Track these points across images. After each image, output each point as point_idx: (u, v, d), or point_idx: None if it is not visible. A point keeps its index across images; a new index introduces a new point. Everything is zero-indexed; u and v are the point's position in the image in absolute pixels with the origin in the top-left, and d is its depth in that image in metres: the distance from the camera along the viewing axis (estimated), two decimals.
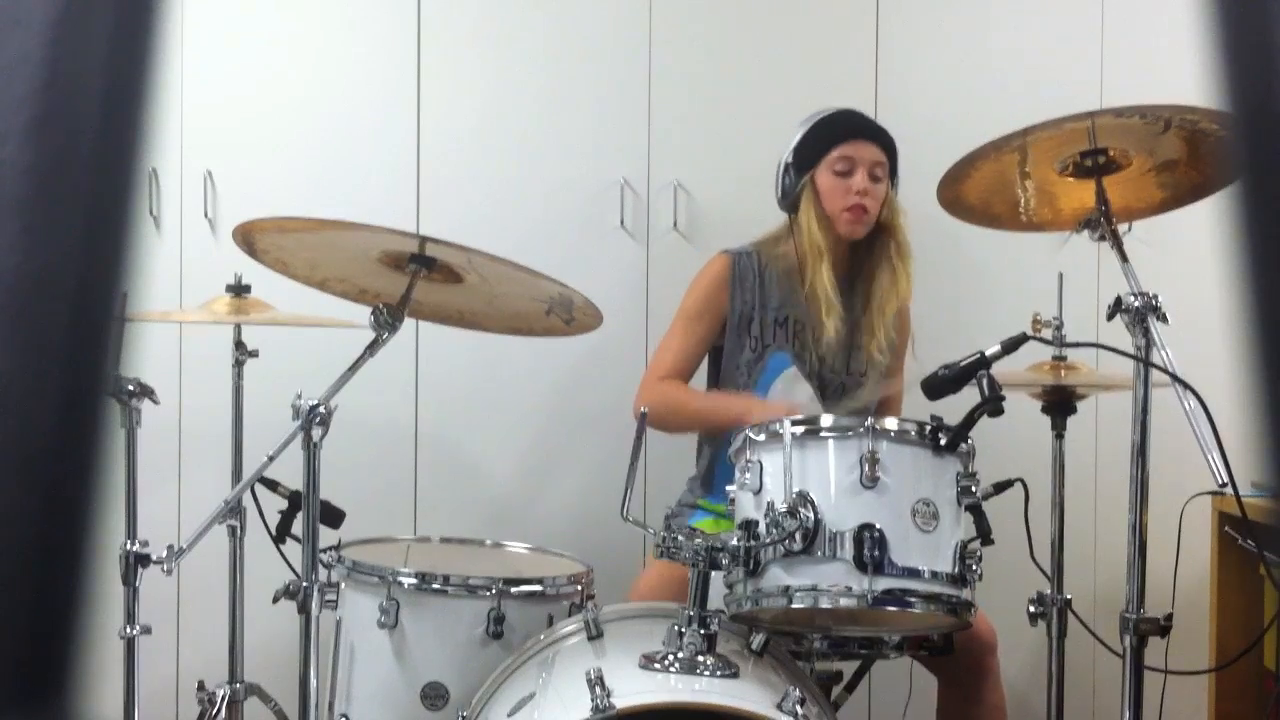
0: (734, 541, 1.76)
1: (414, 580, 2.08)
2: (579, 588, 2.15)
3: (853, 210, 2.42)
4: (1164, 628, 1.84)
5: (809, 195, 2.44)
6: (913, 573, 1.71)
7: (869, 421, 1.76)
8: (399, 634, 2.06)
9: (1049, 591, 2.30)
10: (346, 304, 2.20)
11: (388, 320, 1.96)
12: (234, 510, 2.39)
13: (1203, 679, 2.78)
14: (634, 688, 1.60)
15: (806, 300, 2.46)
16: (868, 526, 1.70)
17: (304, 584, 1.91)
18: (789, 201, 2.48)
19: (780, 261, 2.50)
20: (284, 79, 2.96)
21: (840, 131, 2.45)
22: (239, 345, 2.54)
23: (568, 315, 2.16)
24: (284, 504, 2.27)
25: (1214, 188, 1.98)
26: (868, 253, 2.50)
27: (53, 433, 0.46)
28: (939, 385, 1.84)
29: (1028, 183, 2.08)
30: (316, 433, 1.89)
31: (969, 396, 1.82)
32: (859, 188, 2.41)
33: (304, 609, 1.91)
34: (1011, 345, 1.84)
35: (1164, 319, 1.76)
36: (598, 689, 1.55)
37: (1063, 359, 2.28)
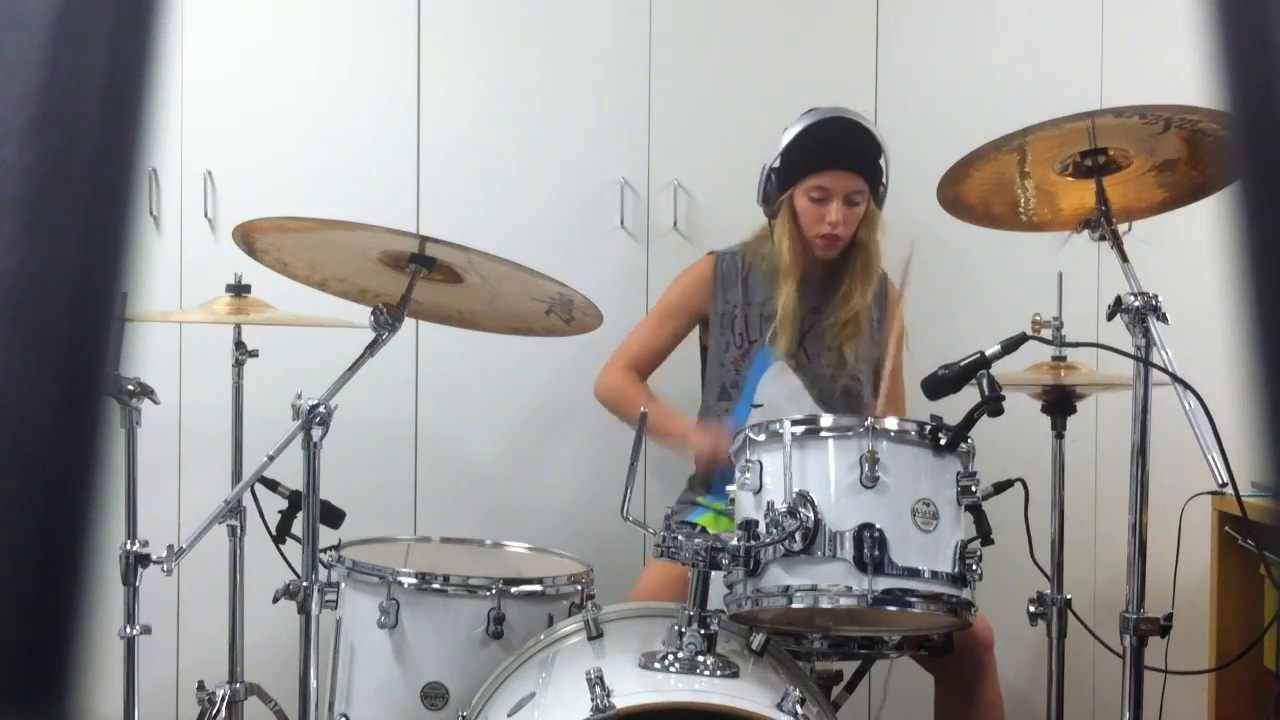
0: (734, 541, 1.76)
1: (414, 580, 2.08)
2: (579, 587, 2.15)
3: (824, 239, 2.45)
4: (1164, 628, 1.83)
5: (786, 213, 2.47)
6: (913, 572, 1.71)
7: (869, 421, 1.76)
8: (399, 634, 2.06)
9: (1049, 591, 2.30)
10: (346, 304, 2.20)
11: (388, 320, 1.96)
12: (234, 510, 2.39)
13: (1203, 679, 2.78)
14: (634, 687, 1.60)
15: (769, 312, 2.52)
16: (868, 526, 1.70)
17: (304, 584, 1.91)
18: (769, 210, 2.51)
19: (765, 260, 2.53)
20: (284, 79, 2.96)
21: (818, 160, 2.44)
22: (239, 345, 2.54)
23: (568, 315, 2.16)
24: (284, 504, 2.27)
25: (1214, 188, 1.98)
26: (840, 262, 2.53)
27: (52, 433, 0.46)
28: (939, 385, 1.84)
29: (1028, 182, 2.08)
30: (316, 433, 1.89)
31: (969, 396, 1.82)
32: (832, 218, 2.43)
33: (304, 609, 1.91)
34: (1011, 345, 1.84)
35: (1164, 319, 1.76)
36: (598, 689, 1.55)
37: (1063, 359, 2.28)
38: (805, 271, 2.50)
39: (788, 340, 2.49)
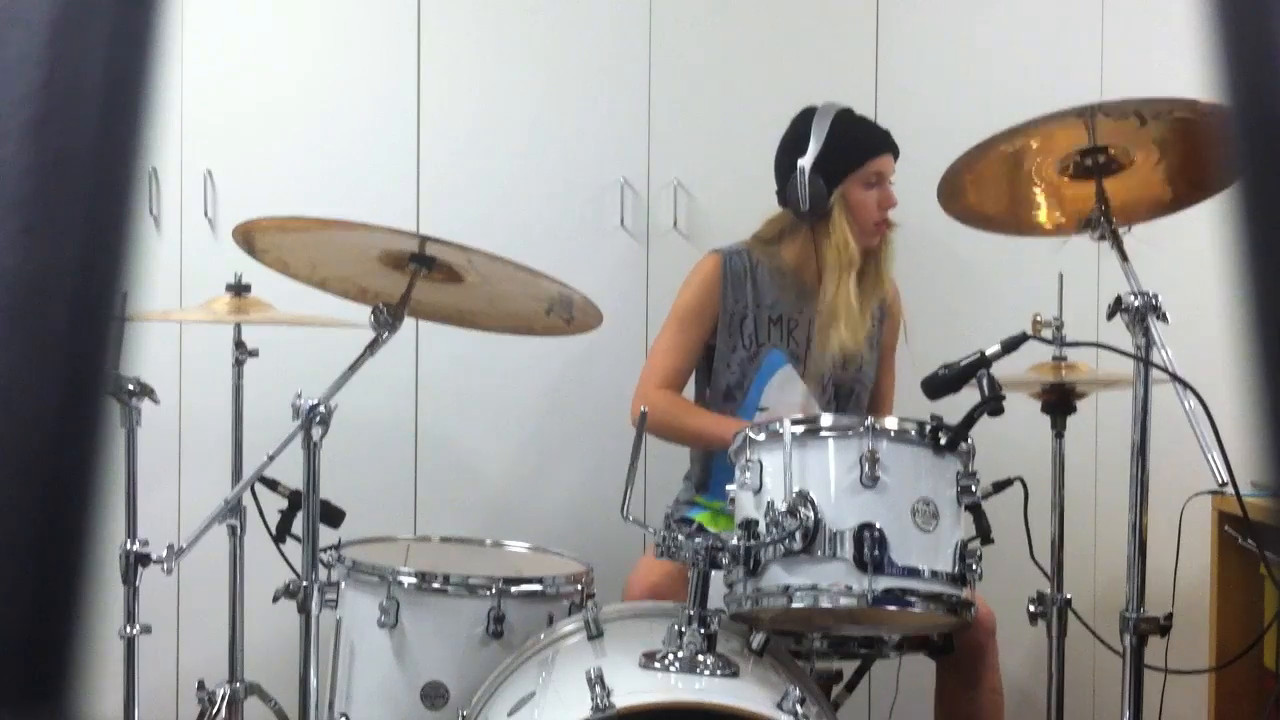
0: (734, 541, 1.76)
1: (414, 580, 2.08)
2: (579, 587, 2.15)
3: (880, 225, 2.48)
4: (1164, 627, 1.83)
5: (842, 208, 2.44)
6: (913, 572, 1.71)
7: (869, 421, 1.76)
8: (399, 634, 2.06)
9: (1049, 591, 2.30)
10: (346, 304, 2.19)
11: (388, 320, 1.96)
12: (234, 510, 2.39)
13: (1203, 679, 2.78)
14: (634, 687, 1.60)
15: (824, 310, 2.45)
16: (868, 526, 1.70)
17: (304, 583, 1.91)
18: (816, 210, 2.45)
19: (772, 260, 2.52)
20: (284, 79, 2.96)
21: (874, 145, 2.47)
22: (239, 345, 2.54)
23: (568, 315, 2.16)
24: (284, 503, 2.27)
25: (1214, 188, 1.98)
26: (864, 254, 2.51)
27: (52, 432, 0.46)
28: (939, 385, 1.84)
29: (1028, 183, 2.08)
30: (316, 432, 1.89)
31: (969, 396, 1.82)
32: (889, 202, 2.47)
33: (304, 609, 1.91)
34: (1011, 345, 1.84)
35: (1164, 319, 1.76)
36: (598, 688, 1.55)
37: (1063, 359, 2.28)
38: (858, 269, 2.47)
39: (851, 336, 2.44)
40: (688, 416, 2.49)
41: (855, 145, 2.45)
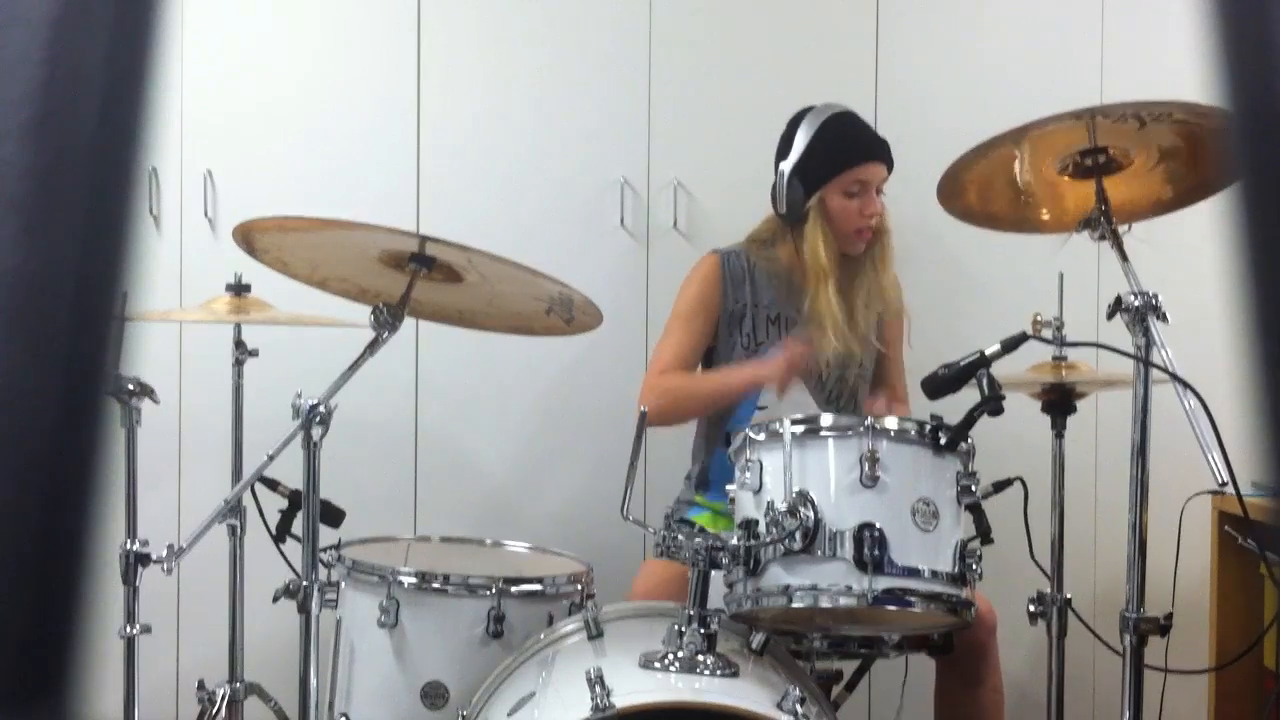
0: (734, 541, 1.76)
1: (414, 580, 2.08)
2: (579, 587, 2.15)
3: (862, 232, 2.46)
4: (1164, 627, 1.83)
5: (818, 214, 2.44)
6: (913, 572, 1.71)
7: (869, 420, 1.76)
8: (399, 633, 2.06)
9: (1049, 591, 2.30)
10: (346, 304, 2.20)
11: (388, 320, 1.96)
12: (234, 510, 2.39)
13: (1203, 678, 2.78)
14: (634, 687, 1.60)
15: (808, 317, 2.47)
16: (868, 526, 1.70)
17: (304, 583, 1.91)
18: (792, 215, 2.47)
19: (770, 262, 2.52)
20: (284, 79, 2.96)
21: (855, 154, 2.45)
22: (239, 345, 2.54)
23: (568, 315, 2.16)
24: (284, 503, 2.27)
25: (1214, 187, 1.98)
26: (857, 257, 2.52)
27: (52, 432, 0.46)
28: (939, 385, 1.84)
29: (1028, 182, 2.08)
30: (316, 432, 1.89)
31: (969, 396, 1.82)
32: (871, 210, 2.45)
33: (304, 608, 1.91)
34: (1011, 345, 1.84)
35: (1164, 318, 1.76)
36: (598, 688, 1.55)
37: (1063, 359, 2.28)
38: (836, 275, 2.47)
39: (838, 342, 2.44)
40: (697, 382, 2.50)
41: (836, 153, 2.44)
